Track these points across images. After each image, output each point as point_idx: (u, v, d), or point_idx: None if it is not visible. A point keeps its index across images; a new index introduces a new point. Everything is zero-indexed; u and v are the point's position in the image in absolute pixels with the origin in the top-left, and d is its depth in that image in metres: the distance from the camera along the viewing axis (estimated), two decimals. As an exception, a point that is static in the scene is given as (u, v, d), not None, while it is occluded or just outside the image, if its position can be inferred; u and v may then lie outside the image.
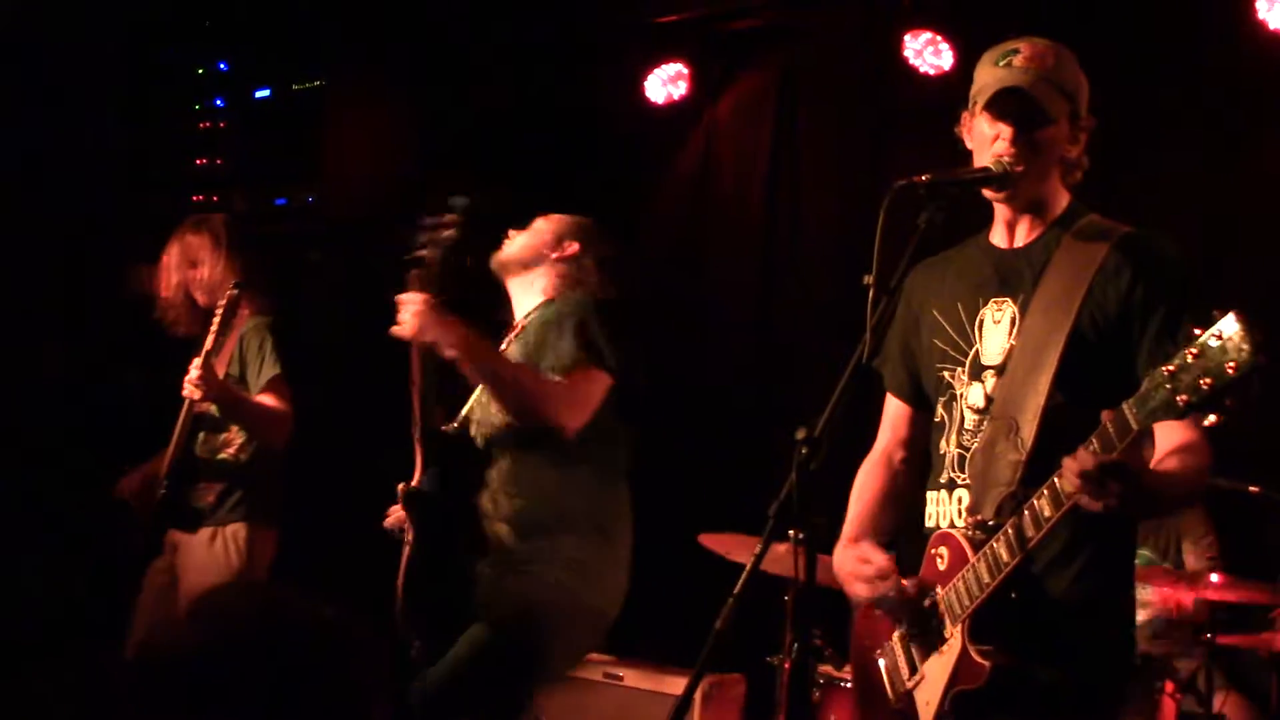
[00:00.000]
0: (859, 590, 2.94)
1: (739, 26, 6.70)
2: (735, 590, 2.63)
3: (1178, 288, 2.73)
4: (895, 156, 6.08)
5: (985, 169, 2.84)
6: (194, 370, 4.49)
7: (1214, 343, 2.26)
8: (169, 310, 4.85)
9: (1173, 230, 2.91)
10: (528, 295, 4.03)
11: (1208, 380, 2.25)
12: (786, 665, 4.73)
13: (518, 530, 3.75)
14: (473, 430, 3.91)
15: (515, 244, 4.06)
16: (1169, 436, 2.69)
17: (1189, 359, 2.29)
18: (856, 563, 2.94)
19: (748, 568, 2.64)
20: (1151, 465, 2.66)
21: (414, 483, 3.86)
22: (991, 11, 5.76)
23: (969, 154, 2.95)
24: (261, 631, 1.58)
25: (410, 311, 3.66)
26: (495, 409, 3.81)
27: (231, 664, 1.55)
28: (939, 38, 6.00)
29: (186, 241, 4.85)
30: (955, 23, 5.96)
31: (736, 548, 4.78)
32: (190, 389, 4.52)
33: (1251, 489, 4.58)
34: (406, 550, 3.86)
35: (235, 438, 4.72)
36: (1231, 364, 2.23)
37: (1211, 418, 2.30)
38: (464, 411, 4.00)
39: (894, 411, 3.18)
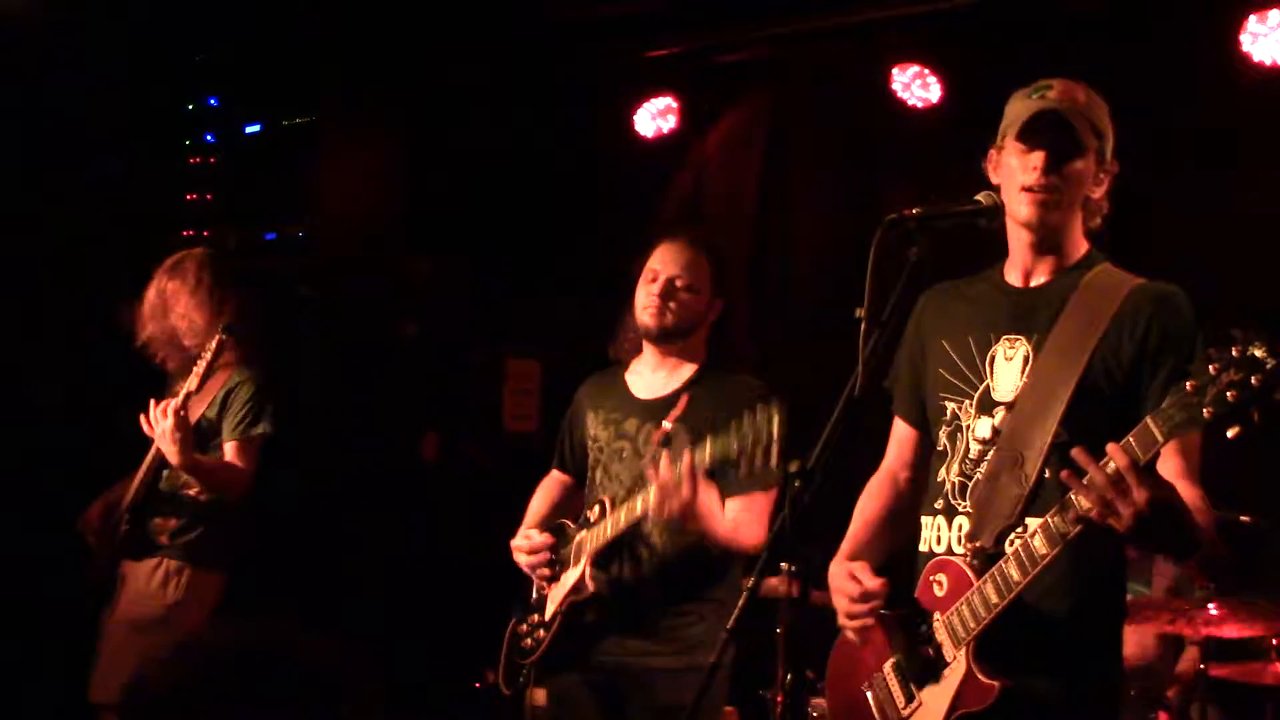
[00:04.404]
0: (840, 606, 2.96)
1: (728, 60, 6.73)
2: (729, 624, 2.63)
3: (1188, 342, 2.75)
4: (884, 189, 6.10)
5: (975, 202, 2.87)
6: (167, 419, 4.34)
7: (1237, 357, 2.29)
8: (156, 350, 4.72)
9: (1174, 275, 2.92)
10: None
11: (1233, 393, 2.29)
12: (779, 699, 4.72)
13: None
14: None
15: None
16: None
17: (1212, 373, 2.32)
18: (846, 578, 2.96)
19: (741, 601, 2.64)
20: None
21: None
22: (979, 45, 5.79)
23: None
24: (244, 667, 1.57)
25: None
26: None
27: (215, 702, 1.53)
28: (927, 71, 6.02)
29: (162, 287, 4.70)
30: (943, 56, 5.98)
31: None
32: (162, 441, 4.38)
33: (1243, 518, 4.59)
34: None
35: None
36: (1257, 376, 2.27)
37: (1233, 430, 2.31)
38: None
39: (901, 434, 3.21)
